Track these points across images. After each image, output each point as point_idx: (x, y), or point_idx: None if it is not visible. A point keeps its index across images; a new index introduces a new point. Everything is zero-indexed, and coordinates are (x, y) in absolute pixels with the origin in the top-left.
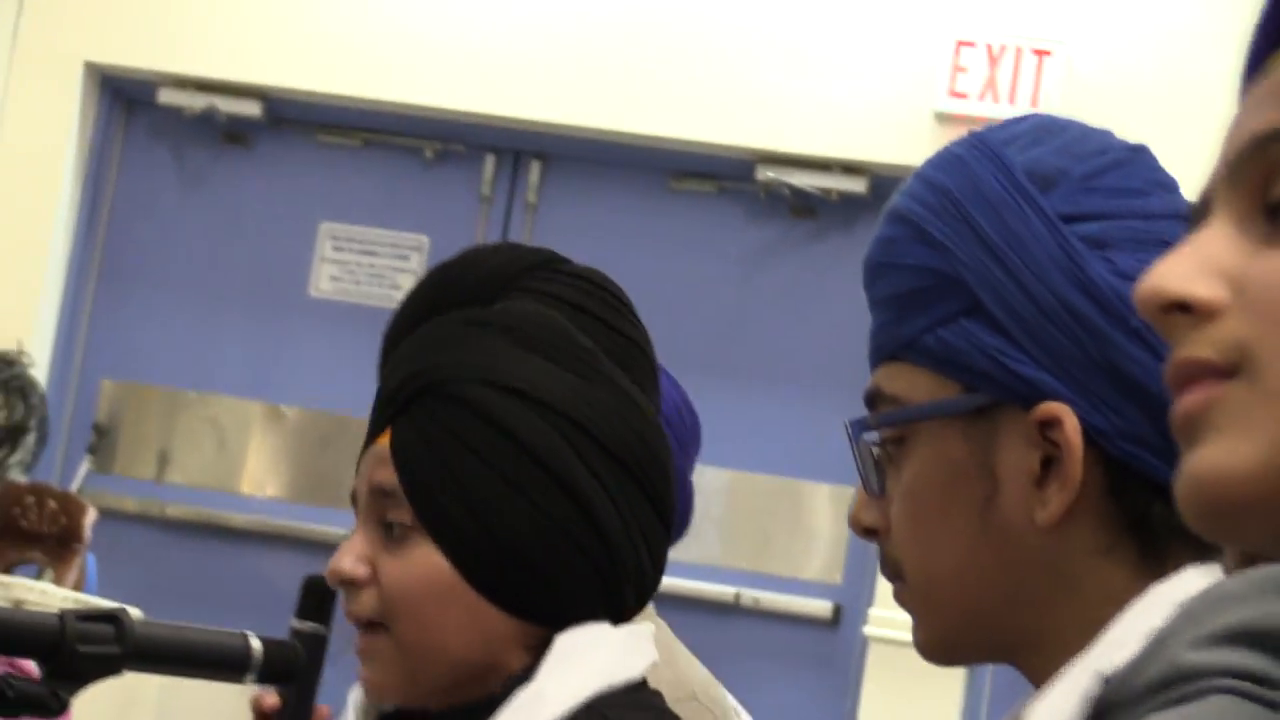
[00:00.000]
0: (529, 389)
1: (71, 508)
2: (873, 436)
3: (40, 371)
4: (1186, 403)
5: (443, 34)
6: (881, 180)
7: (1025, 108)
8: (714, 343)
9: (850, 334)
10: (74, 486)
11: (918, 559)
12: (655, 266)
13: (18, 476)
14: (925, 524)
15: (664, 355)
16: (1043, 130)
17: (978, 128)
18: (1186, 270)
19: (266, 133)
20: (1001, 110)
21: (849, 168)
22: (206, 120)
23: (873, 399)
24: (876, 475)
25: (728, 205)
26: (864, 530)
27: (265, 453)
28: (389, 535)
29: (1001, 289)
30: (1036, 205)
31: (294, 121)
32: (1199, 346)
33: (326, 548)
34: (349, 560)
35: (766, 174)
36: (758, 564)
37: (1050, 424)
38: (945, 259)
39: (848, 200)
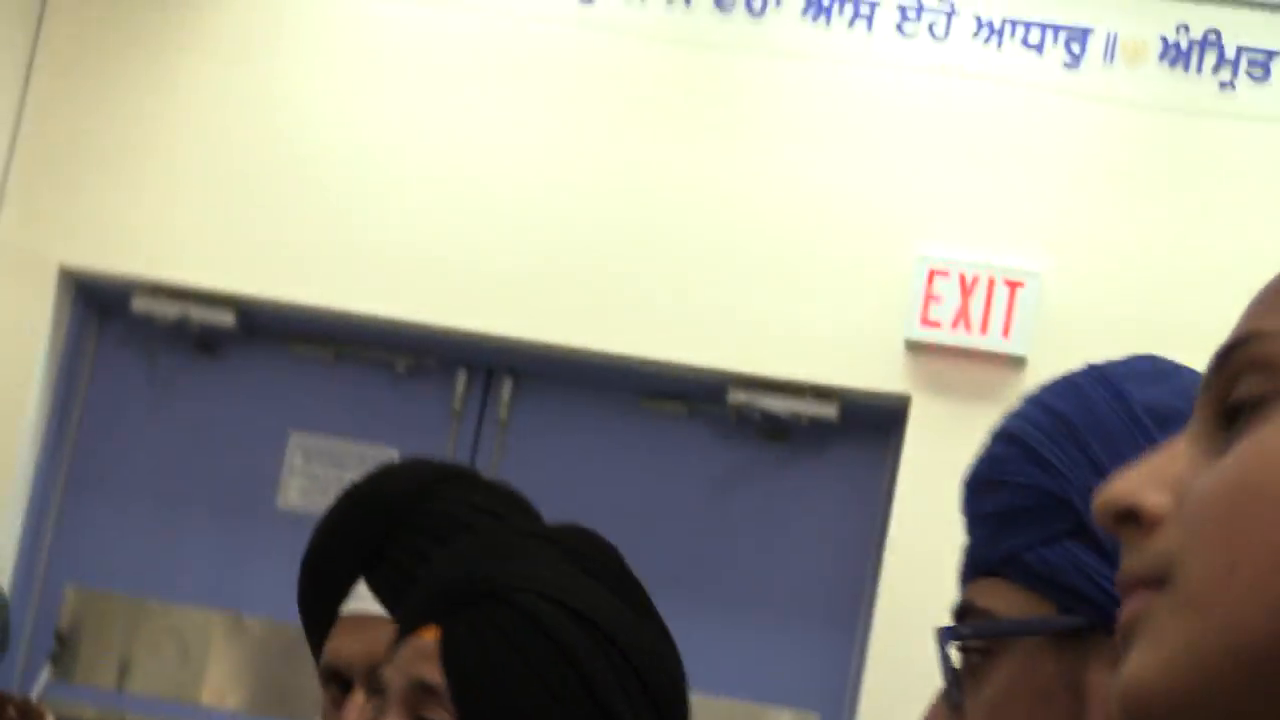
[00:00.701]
0: (593, 615)
1: (31, 715)
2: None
3: (3, 576)
4: (1122, 614)
5: (417, 248)
6: (852, 406)
7: (997, 338)
8: (682, 564)
9: (819, 559)
10: (34, 694)
11: None
12: (625, 486)
13: None
14: None
15: None
16: (1162, 372)
17: (949, 352)
18: (1140, 480)
19: (239, 342)
20: (973, 340)
21: (820, 392)
22: (179, 329)
23: (963, 613)
24: (958, 688)
25: (698, 426)
26: None
27: (228, 664)
28: None
29: None
30: (1152, 439)
31: (267, 332)
32: (1136, 557)
33: None
34: None
35: (738, 396)
36: None
37: None
38: (1055, 480)
39: (818, 425)
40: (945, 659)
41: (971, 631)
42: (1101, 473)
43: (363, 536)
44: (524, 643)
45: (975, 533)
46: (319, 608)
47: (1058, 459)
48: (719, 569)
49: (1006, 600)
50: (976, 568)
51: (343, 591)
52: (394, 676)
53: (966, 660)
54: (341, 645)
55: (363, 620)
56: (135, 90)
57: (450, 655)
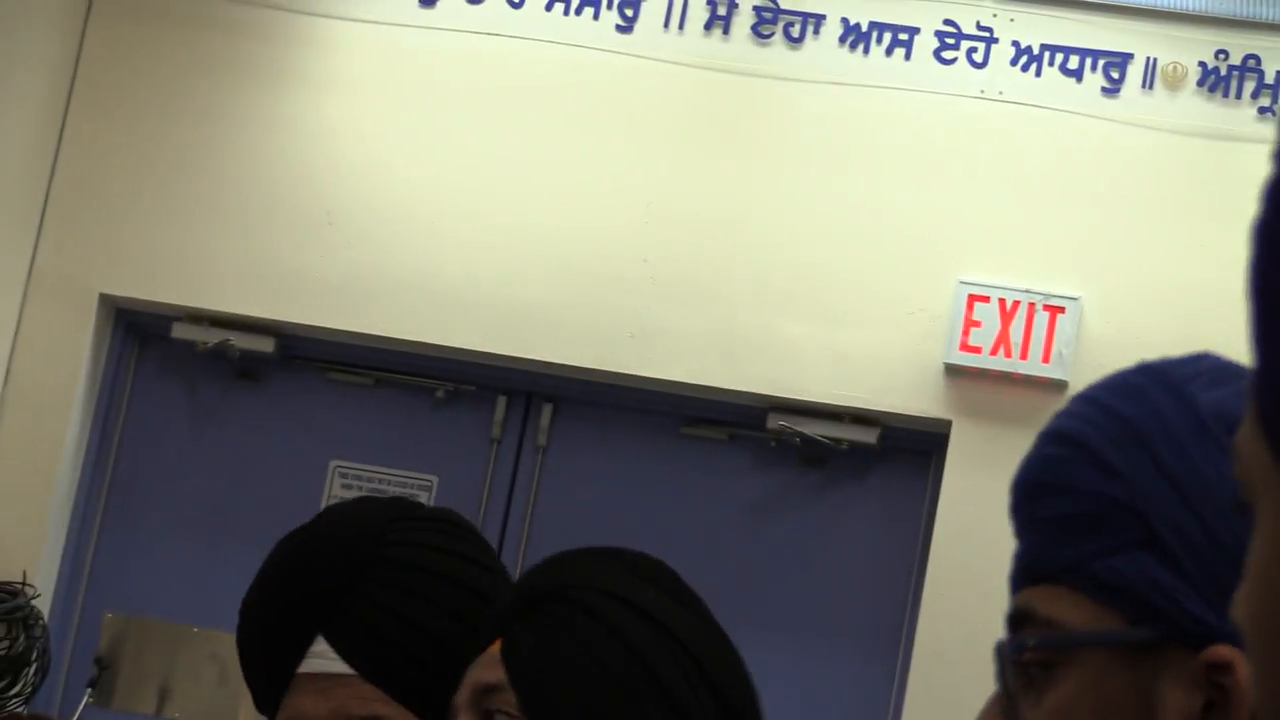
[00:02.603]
0: (658, 614)
1: None
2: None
3: (44, 603)
4: None
5: (456, 275)
6: (893, 431)
7: (1037, 363)
8: (722, 590)
9: (859, 584)
10: None
11: None
12: (664, 512)
13: (18, 709)
14: None
15: None
16: (1223, 372)
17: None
18: None
19: (278, 369)
20: (1013, 365)
21: (860, 418)
22: (219, 355)
23: (1020, 619)
24: (1016, 698)
25: (739, 452)
26: None
27: None
28: None
29: (1183, 525)
30: (1222, 446)
31: (306, 359)
32: None
33: None
34: None
35: (778, 422)
36: None
37: (1220, 668)
38: (1124, 487)
39: (858, 450)
40: (1004, 669)
41: (1040, 642)
42: (1172, 481)
43: (319, 590)
44: (585, 636)
45: (1032, 538)
46: (271, 666)
47: (1125, 465)
48: (759, 594)
49: (1071, 609)
50: (1033, 573)
51: (300, 650)
52: (461, 692)
53: (1024, 670)
54: (306, 706)
55: (327, 679)
56: (174, 120)
57: (509, 653)
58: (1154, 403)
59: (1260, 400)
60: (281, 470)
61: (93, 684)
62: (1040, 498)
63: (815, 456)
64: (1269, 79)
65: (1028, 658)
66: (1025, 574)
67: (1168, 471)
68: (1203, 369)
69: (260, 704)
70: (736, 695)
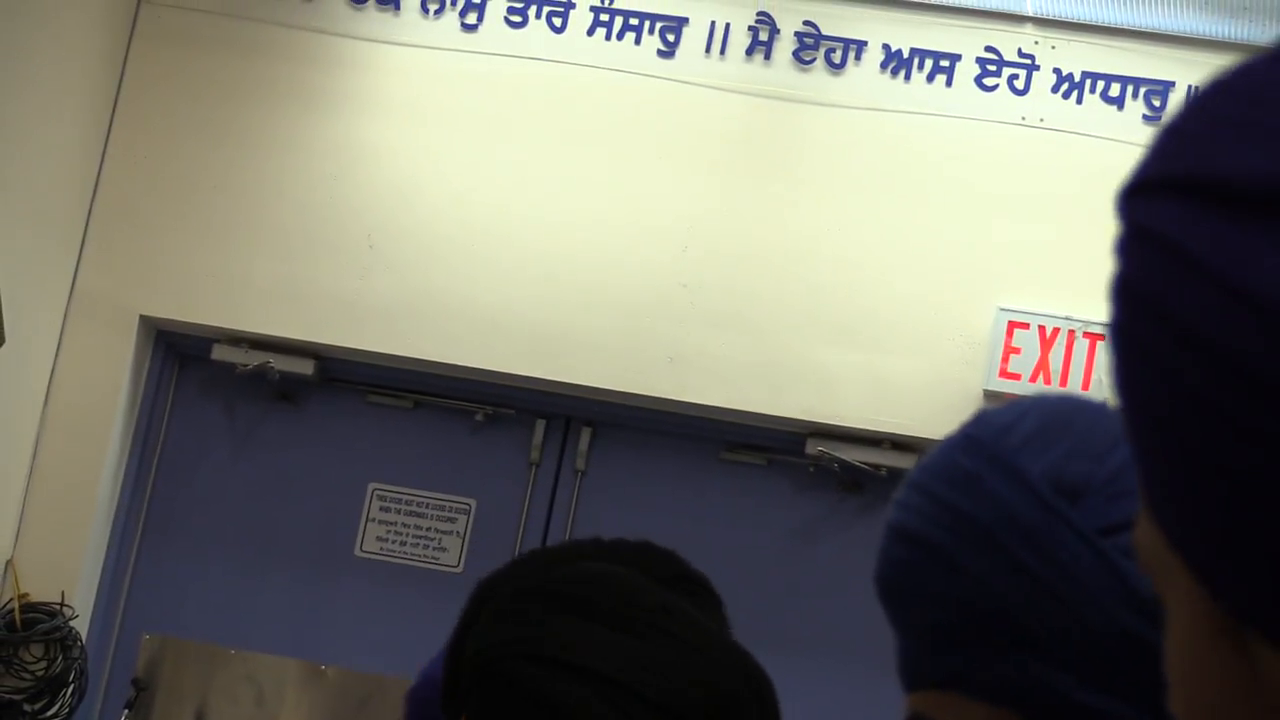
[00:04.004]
0: (565, 658)
1: None
2: None
3: (82, 623)
4: None
5: (495, 299)
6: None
7: (1077, 391)
8: (761, 615)
9: None
10: None
11: None
12: (703, 537)
13: None
14: None
15: None
16: (1049, 430)
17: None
18: None
19: (318, 392)
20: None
21: (898, 443)
22: (259, 377)
23: None
24: None
25: (777, 477)
26: None
27: (303, 712)
28: None
29: (1051, 619)
30: (1071, 525)
31: (346, 381)
32: None
33: None
34: None
35: (817, 447)
36: None
37: None
38: (981, 591)
39: (896, 476)
40: None
41: None
42: (1030, 575)
43: None
44: (512, 710)
45: (908, 642)
46: None
47: (981, 568)
48: (798, 619)
49: (968, 713)
50: (921, 680)
51: None
52: None
53: None
54: None
55: None
56: (216, 143)
57: None
58: (990, 492)
59: (1150, 501)
60: (320, 492)
61: (130, 705)
62: (903, 604)
63: (854, 482)
64: None
65: None
66: (913, 680)
67: (1024, 567)
68: (1027, 431)
69: None
70: (688, 701)
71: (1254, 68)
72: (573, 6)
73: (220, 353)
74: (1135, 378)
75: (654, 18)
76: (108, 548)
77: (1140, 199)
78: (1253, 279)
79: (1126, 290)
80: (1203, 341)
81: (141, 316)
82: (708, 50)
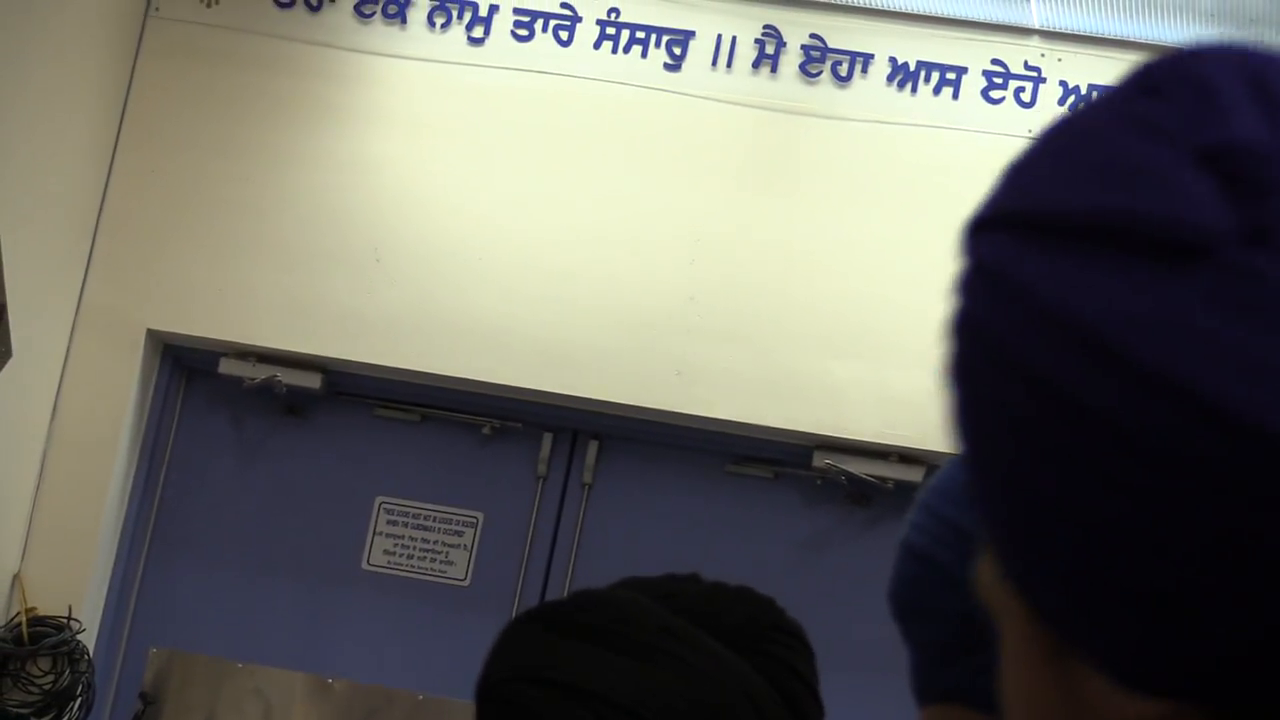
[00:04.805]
0: (562, 679)
1: None
2: None
3: (89, 637)
4: None
5: (502, 312)
6: (938, 469)
7: None
8: None
9: None
10: None
11: None
12: (710, 550)
13: None
14: None
15: None
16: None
17: None
18: None
19: (325, 405)
20: None
21: (906, 456)
22: (266, 391)
23: None
24: None
25: (784, 490)
26: None
27: None
28: None
29: None
30: None
31: (353, 395)
32: None
33: None
34: None
35: (824, 461)
36: None
37: None
38: (980, 604)
39: (903, 489)
40: None
41: None
42: None
43: None
44: None
45: (918, 657)
46: None
47: None
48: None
49: None
50: (932, 694)
51: None
52: None
53: None
54: None
55: None
56: (223, 156)
57: None
58: None
59: (993, 542)
60: (327, 506)
61: (137, 718)
62: (911, 620)
63: (861, 495)
64: None
65: None
66: (923, 694)
67: None
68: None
69: None
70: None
71: (1085, 110)
72: (579, 20)
73: (227, 366)
74: (971, 412)
75: (660, 31)
76: (115, 561)
77: (979, 235)
78: (1072, 306)
79: (962, 323)
80: (1024, 368)
81: (149, 330)
82: (714, 63)
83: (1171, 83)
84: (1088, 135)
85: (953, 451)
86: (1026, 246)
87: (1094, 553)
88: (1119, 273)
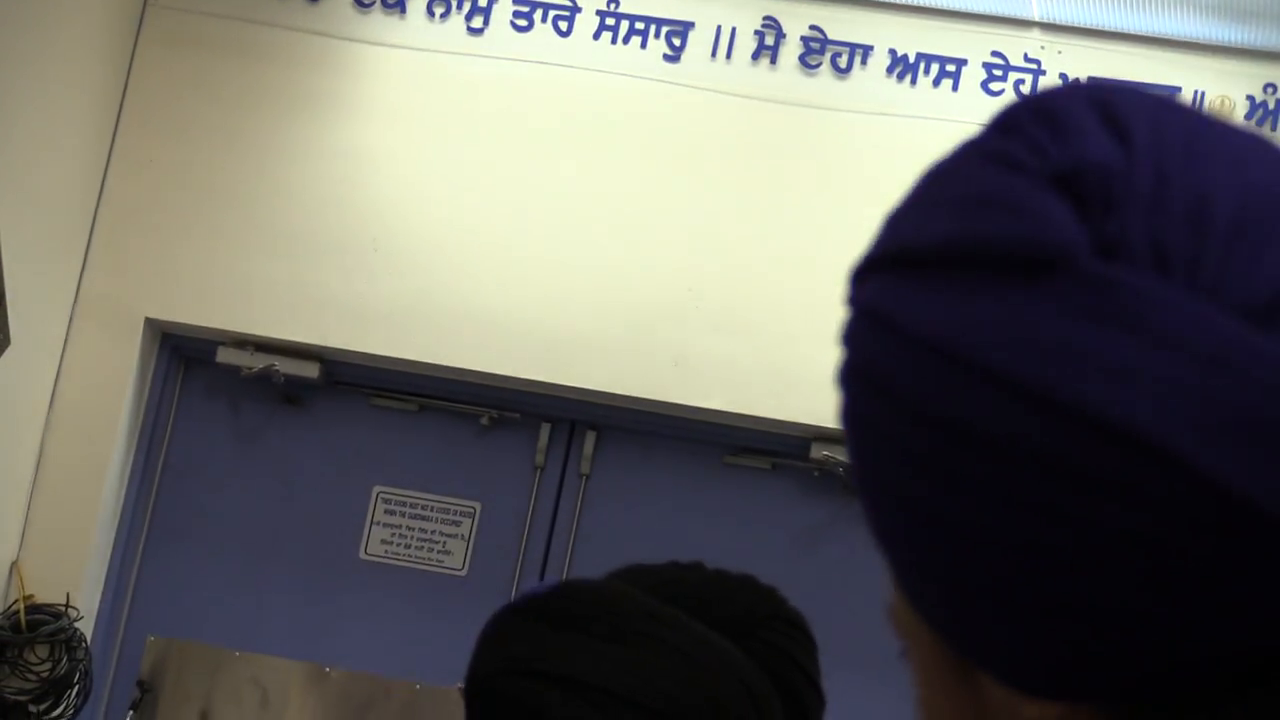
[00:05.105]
0: (556, 670)
1: None
2: None
3: (87, 625)
4: None
5: (500, 302)
6: None
7: None
8: None
9: None
10: None
11: None
12: (707, 541)
13: None
14: None
15: None
16: None
17: None
18: None
19: (323, 395)
20: None
21: None
22: (264, 380)
23: None
24: None
25: (782, 481)
26: None
27: (307, 714)
28: None
29: None
30: None
31: (351, 384)
32: None
33: None
34: None
35: (821, 452)
36: None
37: None
38: None
39: None
40: None
41: None
42: None
43: None
44: None
45: None
46: None
47: None
48: None
49: None
50: None
51: None
52: None
53: None
54: None
55: None
56: (221, 146)
57: None
58: None
59: (890, 566)
60: (325, 495)
61: (134, 707)
62: None
63: None
64: None
65: None
66: None
67: None
68: None
69: None
70: (678, 705)
71: (949, 154)
72: (579, 10)
73: (225, 355)
74: (857, 442)
75: (660, 22)
76: (113, 549)
77: (857, 284)
78: (937, 329)
79: (848, 368)
80: (896, 393)
81: (147, 319)
82: (713, 54)
83: (1024, 118)
84: (949, 175)
85: None
86: (897, 283)
87: (974, 565)
88: (978, 294)
